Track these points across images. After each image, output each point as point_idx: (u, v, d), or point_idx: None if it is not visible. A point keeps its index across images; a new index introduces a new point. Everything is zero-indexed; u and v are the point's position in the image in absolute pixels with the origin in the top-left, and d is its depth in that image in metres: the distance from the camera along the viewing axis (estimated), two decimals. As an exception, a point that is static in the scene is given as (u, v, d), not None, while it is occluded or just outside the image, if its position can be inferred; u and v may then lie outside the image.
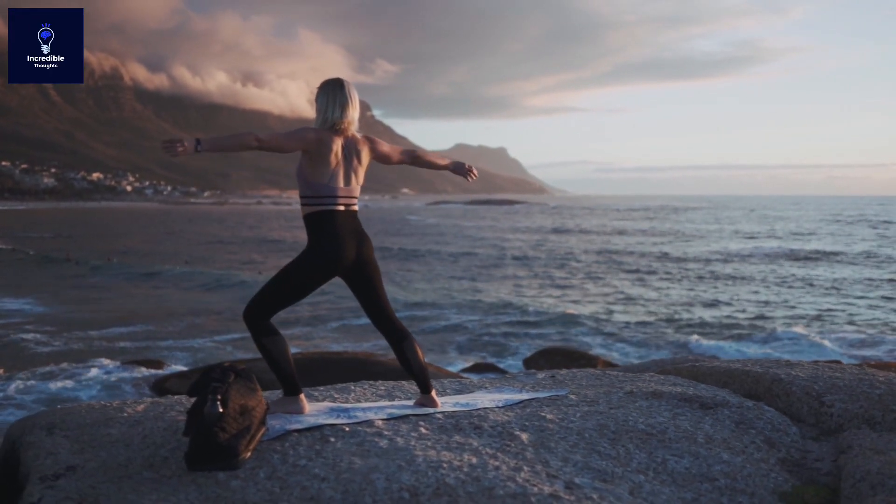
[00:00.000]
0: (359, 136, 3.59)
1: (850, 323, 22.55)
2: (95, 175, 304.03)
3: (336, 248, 3.44)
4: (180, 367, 16.62)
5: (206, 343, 19.98)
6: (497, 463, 2.85)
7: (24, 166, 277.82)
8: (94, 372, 16.11)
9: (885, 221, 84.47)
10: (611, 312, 24.84)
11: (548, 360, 17.01)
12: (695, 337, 20.38)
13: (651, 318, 23.51)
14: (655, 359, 7.33)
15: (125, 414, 3.58)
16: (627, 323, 22.83)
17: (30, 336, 19.94)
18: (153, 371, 16.39)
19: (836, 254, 43.83)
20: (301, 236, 65.73)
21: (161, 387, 14.76)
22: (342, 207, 3.50)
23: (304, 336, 20.55)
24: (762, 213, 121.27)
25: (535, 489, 2.61)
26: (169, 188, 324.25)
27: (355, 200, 3.58)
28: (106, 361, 16.97)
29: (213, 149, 3.24)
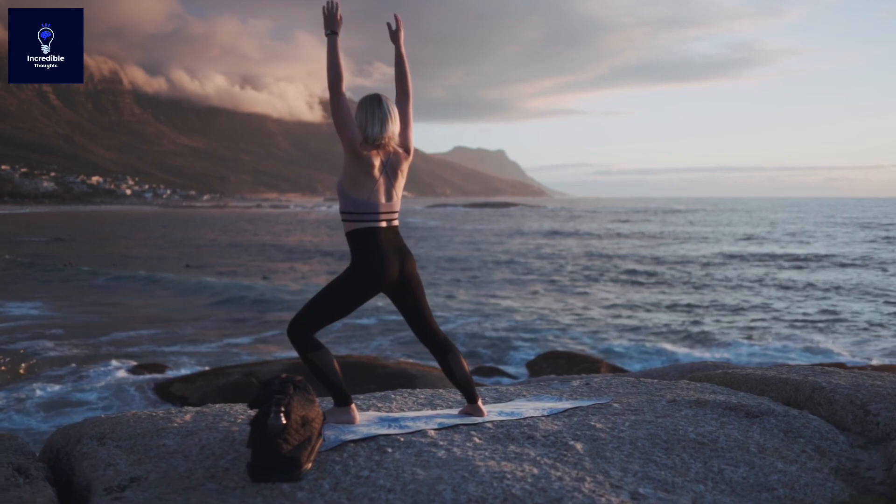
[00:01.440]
0: (400, 150, 3.61)
1: (846, 325, 22.57)
2: (95, 178, 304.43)
3: (380, 266, 3.46)
4: (183, 371, 16.66)
5: (208, 347, 20.02)
6: (559, 473, 2.88)
7: (23, 170, 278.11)
8: (96, 376, 16.16)
9: (882, 224, 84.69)
10: (608, 316, 24.85)
11: (550, 363, 17.03)
12: (695, 340, 20.43)
13: (649, 322, 23.51)
14: (676, 364, 7.35)
15: (175, 424, 3.60)
16: (625, 326, 22.84)
17: (34, 341, 19.95)
18: (156, 375, 16.42)
19: (830, 256, 43.84)
20: (303, 239, 65.80)
21: (165, 390, 14.83)
22: (384, 223, 3.51)
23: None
24: (760, 215, 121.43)
25: (603, 499, 2.64)
26: (168, 191, 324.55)
27: (396, 215, 3.59)
28: (110, 365, 17.00)
29: (332, 47, 3.49)
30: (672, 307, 26.28)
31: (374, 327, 21.96)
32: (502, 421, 3.63)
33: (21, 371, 16.67)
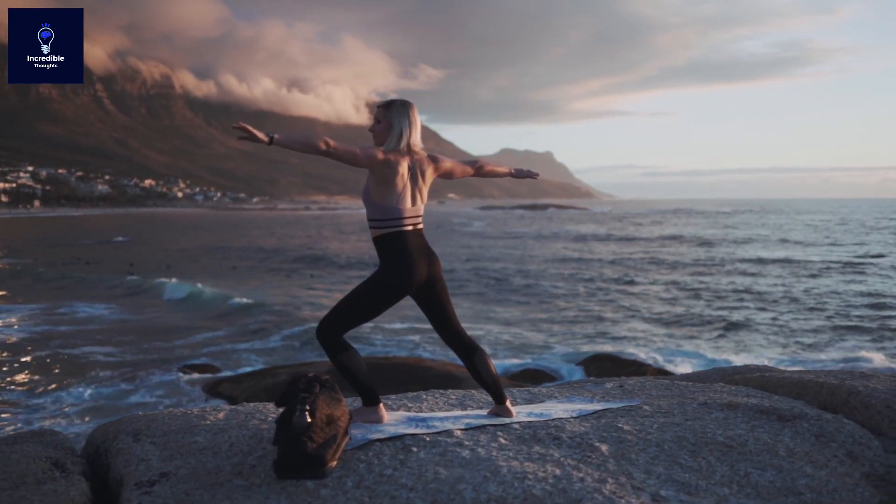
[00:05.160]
0: (424, 154, 3.63)
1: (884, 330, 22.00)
2: (148, 181, 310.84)
3: (409, 269, 3.49)
4: (231, 373, 16.96)
5: (258, 349, 20.29)
6: (581, 475, 2.88)
7: (79, 174, 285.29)
8: (151, 377, 16.52)
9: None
10: (655, 320, 24.59)
11: (597, 366, 16.98)
12: (744, 345, 20.11)
13: (696, 326, 23.22)
14: (717, 367, 7.26)
15: (207, 421, 3.67)
16: (672, 331, 22.56)
17: (94, 344, 20.39)
18: (208, 375, 16.75)
19: (874, 264, 42.27)
20: (350, 248, 66.27)
21: (214, 390, 15.18)
22: (410, 227, 3.55)
23: (351, 337, 20.66)
24: (811, 217, 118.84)
25: (623, 501, 2.63)
26: (219, 194, 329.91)
27: (421, 219, 3.62)
28: (165, 366, 17.36)
29: (284, 146, 3.32)
30: (720, 312, 25.90)
31: (408, 330, 21.99)
32: (530, 422, 3.63)
33: (80, 371, 17.09)
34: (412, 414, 3.79)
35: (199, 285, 31.71)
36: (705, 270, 39.31)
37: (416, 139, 3.56)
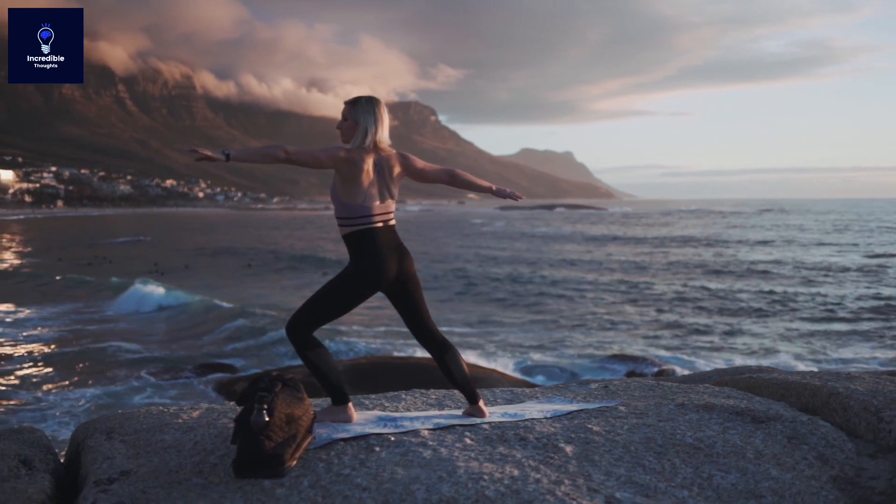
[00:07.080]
0: (392, 151, 3.60)
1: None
2: (169, 182, 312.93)
3: (378, 265, 3.47)
4: (254, 371, 17.02)
5: (279, 345, 20.35)
6: (538, 476, 2.85)
7: (101, 174, 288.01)
8: (168, 377, 16.61)
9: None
10: (658, 321, 24.41)
11: (599, 368, 17.05)
12: (748, 346, 19.91)
13: (702, 328, 23.01)
14: (717, 368, 7.19)
15: (180, 420, 3.67)
16: (677, 333, 22.35)
17: (113, 343, 20.48)
18: (221, 374, 16.83)
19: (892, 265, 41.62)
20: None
21: (228, 389, 15.25)
22: (380, 224, 3.52)
23: (377, 335, 20.67)
24: (831, 217, 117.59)
25: (574, 503, 2.60)
26: (239, 194, 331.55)
27: (392, 215, 3.59)
28: (182, 366, 17.44)
29: (242, 160, 3.33)
30: (731, 313, 25.68)
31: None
32: (501, 422, 3.60)
33: (96, 371, 17.17)
34: (383, 414, 3.77)
35: (178, 291, 31.57)
36: (721, 269, 39.03)
37: (383, 136, 3.53)
